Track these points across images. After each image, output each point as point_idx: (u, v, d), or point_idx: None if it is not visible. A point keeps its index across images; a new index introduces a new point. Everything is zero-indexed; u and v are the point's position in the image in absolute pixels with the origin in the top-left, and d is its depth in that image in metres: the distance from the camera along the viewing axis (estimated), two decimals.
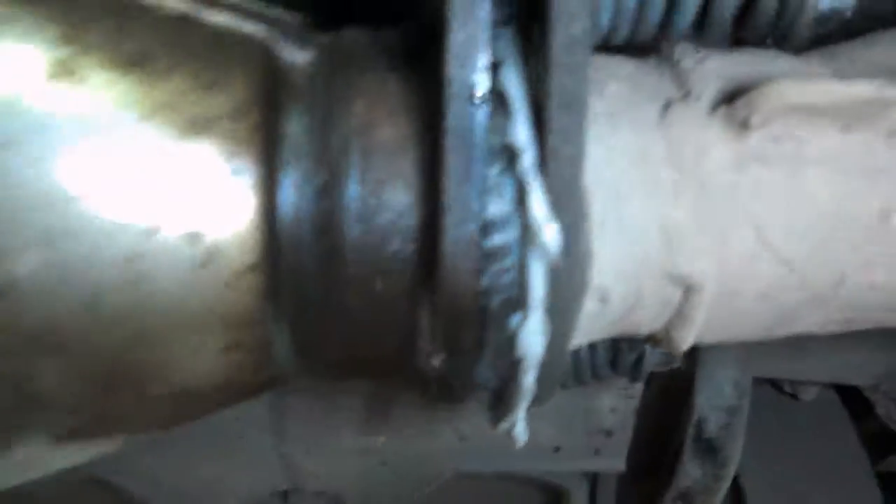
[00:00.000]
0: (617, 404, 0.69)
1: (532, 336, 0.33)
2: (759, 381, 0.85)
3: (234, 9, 0.33)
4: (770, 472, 0.82)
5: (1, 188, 0.27)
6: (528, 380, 0.35)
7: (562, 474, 0.79)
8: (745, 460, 0.82)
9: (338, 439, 0.70)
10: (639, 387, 0.68)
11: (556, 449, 0.73)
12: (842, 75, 0.38)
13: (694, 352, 0.69)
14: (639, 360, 0.50)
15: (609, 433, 0.71)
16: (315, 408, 0.68)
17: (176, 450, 0.72)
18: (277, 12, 0.34)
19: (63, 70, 0.29)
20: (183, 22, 0.32)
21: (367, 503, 0.77)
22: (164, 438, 0.66)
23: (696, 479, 0.67)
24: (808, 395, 0.85)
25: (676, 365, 0.52)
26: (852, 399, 0.87)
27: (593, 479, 0.85)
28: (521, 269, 0.32)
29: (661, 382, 0.73)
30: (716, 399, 0.65)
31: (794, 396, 0.86)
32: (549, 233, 0.31)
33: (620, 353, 0.50)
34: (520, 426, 0.38)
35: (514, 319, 0.33)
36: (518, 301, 0.33)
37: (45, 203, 0.28)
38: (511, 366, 0.35)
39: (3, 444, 0.34)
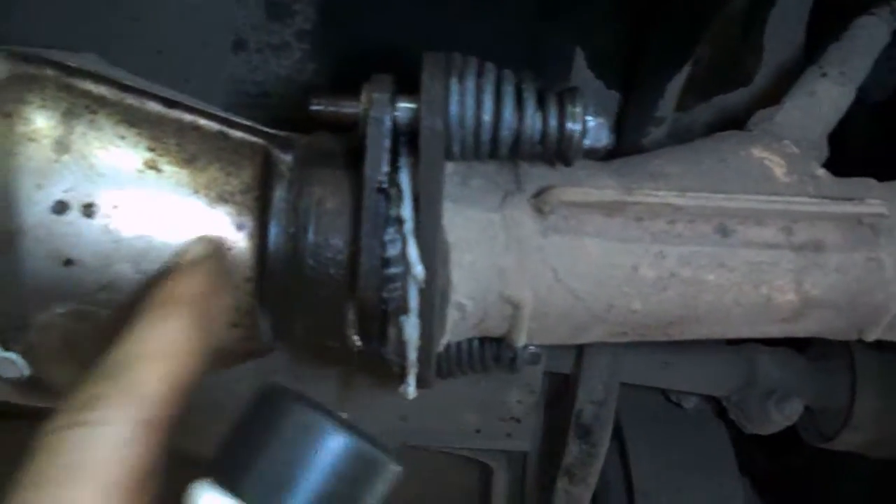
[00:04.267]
0: (522, 397, 0.91)
1: (411, 329, 0.56)
2: (651, 392, 1.07)
3: (246, 128, 0.57)
4: (654, 460, 1.04)
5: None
6: (412, 356, 0.58)
7: (485, 453, 1.01)
8: (635, 451, 1.04)
9: None
10: (538, 384, 0.90)
11: (478, 431, 0.95)
12: (622, 179, 0.61)
13: (578, 361, 0.91)
14: (513, 358, 0.71)
15: (518, 420, 0.94)
16: (291, 383, 0.91)
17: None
18: (273, 130, 0.58)
19: (150, 165, 0.52)
20: (217, 135, 0.55)
21: None
22: None
23: (575, 456, 0.89)
24: (689, 403, 1.07)
25: (540, 363, 0.74)
26: None
27: (516, 462, 1.07)
28: (404, 289, 0.55)
29: (555, 385, 0.95)
30: (590, 395, 0.87)
31: (678, 405, 1.08)
32: (418, 269, 0.54)
33: (501, 351, 0.72)
34: (411, 388, 0.61)
35: (402, 319, 0.56)
36: (403, 308, 0.55)
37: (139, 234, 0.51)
38: (402, 347, 0.57)
39: None
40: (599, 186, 0.58)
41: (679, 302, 0.59)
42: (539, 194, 0.57)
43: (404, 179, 0.54)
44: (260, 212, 0.54)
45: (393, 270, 0.55)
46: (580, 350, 0.90)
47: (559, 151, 0.55)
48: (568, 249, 0.58)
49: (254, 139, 0.56)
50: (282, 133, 0.58)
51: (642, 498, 1.02)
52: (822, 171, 0.63)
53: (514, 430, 0.95)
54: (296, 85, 0.82)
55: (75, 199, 0.50)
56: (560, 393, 0.98)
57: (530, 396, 0.91)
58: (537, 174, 0.59)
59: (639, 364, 0.92)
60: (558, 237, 0.57)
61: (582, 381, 0.87)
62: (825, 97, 0.69)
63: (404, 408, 0.92)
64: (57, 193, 0.50)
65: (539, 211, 0.56)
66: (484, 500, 1.11)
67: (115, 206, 0.51)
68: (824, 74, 0.70)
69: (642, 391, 1.05)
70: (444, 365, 0.67)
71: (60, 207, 0.50)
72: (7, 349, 0.53)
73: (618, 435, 1.03)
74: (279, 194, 0.55)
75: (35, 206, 0.49)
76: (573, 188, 0.56)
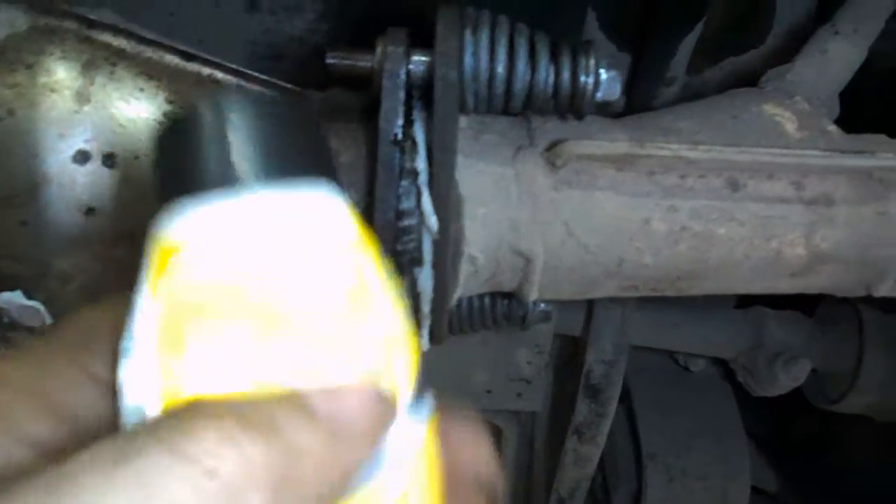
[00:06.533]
0: (532, 358, 0.93)
1: (425, 280, 0.57)
2: (659, 355, 1.08)
3: (262, 82, 0.57)
4: (661, 423, 1.05)
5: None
6: (426, 308, 0.59)
7: (495, 414, 1.02)
8: (643, 414, 1.05)
9: None
10: (547, 344, 0.91)
11: (489, 391, 0.96)
12: (633, 133, 0.61)
13: (587, 323, 0.92)
14: (525, 315, 0.72)
15: (528, 381, 0.95)
16: None
17: None
18: (289, 85, 0.58)
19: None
20: (234, 89, 0.56)
21: None
22: None
23: (584, 416, 0.91)
24: (697, 367, 1.08)
25: (551, 321, 0.75)
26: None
27: (532, 421, 1.08)
28: (418, 241, 0.56)
29: (565, 347, 0.96)
30: (600, 355, 0.88)
31: (686, 368, 1.09)
32: (432, 220, 0.54)
33: (512, 308, 0.73)
34: (423, 341, 0.62)
35: (416, 270, 0.57)
36: (417, 259, 0.56)
37: None
38: (415, 299, 0.58)
39: None
40: (611, 140, 0.58)
41: (690, 256, 0.60)
42: (551, 147, 0.57)
43: (419, 132, 0.55)
44: None
45: (407, 222, 0.56)
46: (590, 311, 0.91)
47: (572, 104, 0.56)
48: (580, 203, 0.58)
49: (270, 94, 0.57)
50: (297, 88, 0.59)
51: (649, 460, 1.04)
52: (833, 127, 0.63)
53: (524, 390, 0.96)
54: (308, 46, 0.83)
55: (96, 149, 0.51)
56: (569, 355, 0.99)
57: (540, 357, 0.92)
58: (549, 129, 0.60)
59: (648, 326, 0.93)
60: (570, 191, 0.58)
61: (591, 341, 0.88)
62: (837, 55, 0.69)
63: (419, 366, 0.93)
64: (78, 143, 0.51)
65: (551, 165, 0.57)
66: None
67: (136, 157, 0.52)
68: (837, 33, 0.70)
69: (650, 354, 1.06)
70: (455, 321, 0.68)
71: (82, 157, 0.51)
72: (30, 297, 0.54)
73: (625, 398, 1.05)
74: None
75: (58, 155, 0.50)
76: (585, 141, 0.56)
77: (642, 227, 0.59)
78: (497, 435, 1.08)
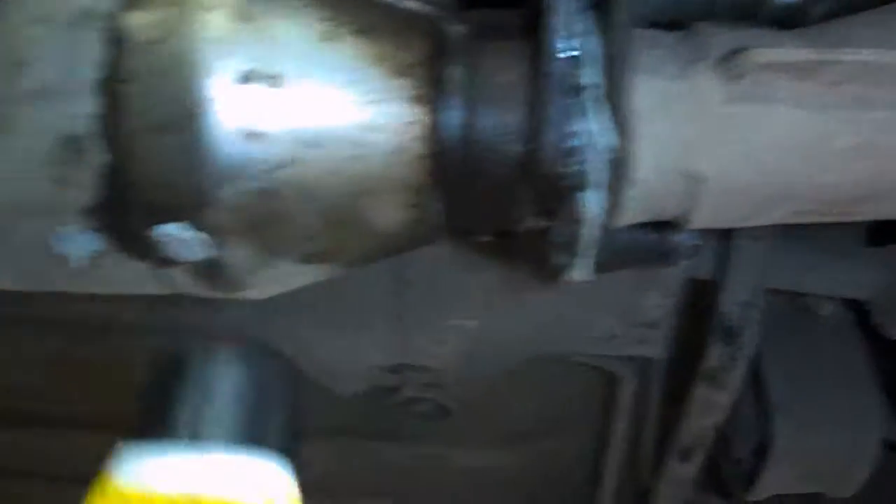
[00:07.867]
0: (660, 301, 0.89)
1: (594, 204, 0.54)
2: (781, 297, 1.03)
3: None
4: (788, 371, 1.01)
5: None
6: (595, 233, 0.55)
7: (613, 361, 0.99)
8: (768, 362, 1.01)
9: (443, 320, 0.92)
10: (678, 287, 0.87)
11: (614, 336, 0.93)
12: (813, 45, 0.57)
13: (719, 265, 0.87)
14: (673, 250, 0.68)
15: (652, 326, 0.91)
16: (428, 293, 0.89)
17: (319, 322, 0.94)
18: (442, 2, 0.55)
19: (329, 36, 0.50)
20: (389, 7, 0.53)
21: (460, 378, 0.99)
22: (310, 310, 0.87)
23: (718, 360, 0.87)
24: (826, 310, 1.03)
25: (698, 255, 0.71)
26: None
27: (643, 369, 1.05)
28: (584, 163, 0.52)
29: (693, 289, 0.92)
30: (736, 297, 0.84)
31: (813, 312, 1.03)
32: (605, 139, 0.51)
33: (663, 241, 0.69)
34: (585, 271, 0.59)
35: (582, 194, 0.54)
36: (583, 183, 0.53)
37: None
38: (578, 225, 0.55)
39: (269, 262, 0.56)
40: (793, 48, 0.54)
41: (874, 173, 0.56)
42: (729, 57, 0.53)
43: (590, 44, 0.52)
44: (434, 85, 0.52)
45: (575, 143, 0.52)
46: (721, 253, 0.87)
47: (754, 8, 0.52)
48: (756, 118, 0.54)
49: (425, 11, 0.54)
50: (453, 6, 0.56)
51: (777, 410, 0.99)
52: None
53: (647, 335, 0.92)
54: None
55: (259, 69, 0.49)
56: (692, 299, 0.94)
57: (668, 300, 0.89)
58: (721, 41, 0.55)
59: (785, 266, 0.89)
60: (746, 105, 0.54)
61: (728, 283, 0.84)
62: None
63: (544, 314, 0.90)
64: (240, 63, 0.48)
65: (727, 76, 0.53)
66: (607, 411, 1.10)
67: (299, 77, 0.49)
68: None
69: (772, 296, 1.01)
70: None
71: (244, 77, 0.48)
72: (191, 229, 0.52)
73: None
74: (453, 67, 0.53)
75: (217, 76, 0.48)
76: (768, 49, 0.52)
77: (824, 143, 0.55)
78: (612, 383, 1.05)
